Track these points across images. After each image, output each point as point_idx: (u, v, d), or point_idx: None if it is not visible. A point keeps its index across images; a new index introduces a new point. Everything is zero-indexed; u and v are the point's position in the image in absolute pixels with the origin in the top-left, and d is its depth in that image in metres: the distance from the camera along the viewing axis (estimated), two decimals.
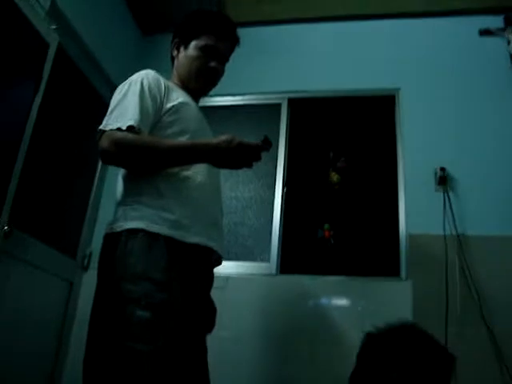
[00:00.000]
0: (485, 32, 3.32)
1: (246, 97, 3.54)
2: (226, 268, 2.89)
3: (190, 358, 1.68)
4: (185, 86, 1.95)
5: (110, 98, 1.79)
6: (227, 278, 2.91)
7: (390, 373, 1.14)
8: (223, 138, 1.66)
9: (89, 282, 2.99)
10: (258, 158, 1.71)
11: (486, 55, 3.29)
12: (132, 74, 1.84)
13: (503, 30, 3.29)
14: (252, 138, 1.73)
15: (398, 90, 3.35)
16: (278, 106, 3.47)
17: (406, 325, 1.25)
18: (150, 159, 1.67)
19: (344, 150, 3.30)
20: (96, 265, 1.71)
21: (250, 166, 1.72)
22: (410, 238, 2.91)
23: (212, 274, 1.88)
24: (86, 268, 3.17)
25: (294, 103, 3.50)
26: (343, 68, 3.46)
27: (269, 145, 1.70)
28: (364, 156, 3.30)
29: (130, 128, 1.62)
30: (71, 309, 3.02)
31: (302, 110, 3.49)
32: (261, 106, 3.52)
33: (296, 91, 3.49)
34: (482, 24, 3.36)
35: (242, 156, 1.67)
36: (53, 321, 2.89)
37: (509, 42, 3.24)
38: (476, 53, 3.31)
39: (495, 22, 3.35)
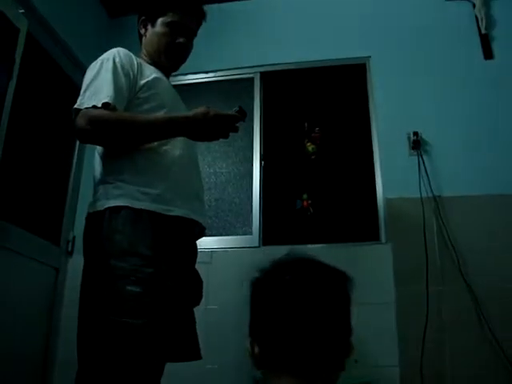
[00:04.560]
0: None
1: (219, 73, 3.55)
2: (209, 243, 2.98)
3: (180, 329, 1.72)
4: (154, 63, 1.95)
5: (81, 80, 1.78)
6: (212, 253, 2.96)
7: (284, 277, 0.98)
8: (199, 110, 1.68)
9: (74, 267, 2.99)
10: (235, 129, 1.73)
11: (452, 20, 3.32)
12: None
13: None
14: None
15: (368, 58, 3.38)
16: (250, 81, 3.49)
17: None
18: (127, 135, 1.67)
19: (318, 120, 3.32)
20: (80, 249, 1.72)
21: (226, 136, 1.74)
22: (388, 202, 2.98)
23: (196, 245, 1.91)
24: (70, 253, 3.16)
25: (266, 76, 3.51)
26: (313, 39, 3.47)
27: (244, 115, 1.74)
28: (338, 125, 3.33)
29: (106, 105, 1.62)
30: (59, 295, 3.03)
31: (275, 83, 3.51)
32: (234, 81, 3.53)
33: (267, 64, 3.51)
34: None
35: (218, 127, 1.69)
36: (41, 307, 2.90)
37: (474, 5, 3.28)
38: (443, 18, 3.33)
39: None
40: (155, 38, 1.95)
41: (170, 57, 1.97)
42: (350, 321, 0.99)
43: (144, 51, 2.00)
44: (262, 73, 3.50)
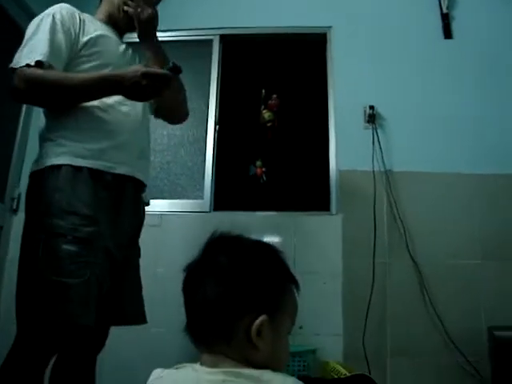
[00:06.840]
0: None
1: (177, 32, 3.43)
2: (159, 206, 2.93)
3: (123, 292, 1.70)
4: (112, 21, 1.90)
5: None
6: (161, 216, 2.92)
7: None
8: (132, 68, 1.63)
9: (19, 225, 2.90)
10: (168, 86, 1.66)
11: None
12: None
13: None
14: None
15: (329, 28, 3.35)
16: (209, 42, 3.42)
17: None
18: (59, 94, 1.63)
19: (276, 88, 3.29)
20: None
21: (159, 94, 1.68)
22: (340, 174, 3.00)
23: (139, 204, 1.85)
24: (15, 211, 3.06)
25: (226, 39, 3.44)
26: (276, 5, 3.41)
27: (177, 71, 1.68)
28: (296, 94, 3.32)
29: (39, 63, 1.58)
30: (2, 252, 2.94)
31: (234, 47, 3.45)
32: (192, 42, 3.44)
33: (228, 27, 3.43)
34: None
35: (150, 85, 1.61)
36: None
37: None
38: None
39: None
40: None
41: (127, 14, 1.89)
42: (249, 297, 0.89)
43: (102, 9, 1.93)
44: (221, 35, 3.43)
